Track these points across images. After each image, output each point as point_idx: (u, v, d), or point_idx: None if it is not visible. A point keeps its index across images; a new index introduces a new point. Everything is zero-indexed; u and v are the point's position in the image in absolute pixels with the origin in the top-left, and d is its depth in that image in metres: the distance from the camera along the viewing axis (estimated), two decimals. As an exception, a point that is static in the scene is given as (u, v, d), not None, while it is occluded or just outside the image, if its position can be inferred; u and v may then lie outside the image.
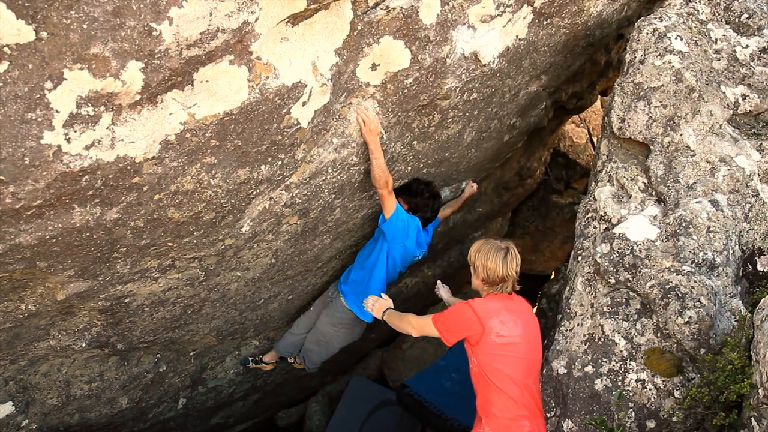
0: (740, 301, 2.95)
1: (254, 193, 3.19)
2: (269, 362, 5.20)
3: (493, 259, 3.04)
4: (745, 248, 3.14)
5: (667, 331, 2.89)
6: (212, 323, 4.32)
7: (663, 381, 2.86)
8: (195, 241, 3.24)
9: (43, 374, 3.85)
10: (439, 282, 4.11)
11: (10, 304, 3.12)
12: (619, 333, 3.02)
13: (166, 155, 2.62)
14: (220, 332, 4.52)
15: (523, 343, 3.00)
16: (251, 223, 3.42)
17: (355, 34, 3.01)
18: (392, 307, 3.70)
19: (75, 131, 2.25)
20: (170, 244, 3.16)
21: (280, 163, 3.14)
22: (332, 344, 4.60)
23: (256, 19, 2.47)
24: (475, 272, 3.15)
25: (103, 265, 3.06)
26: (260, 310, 4.57)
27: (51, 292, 3.13)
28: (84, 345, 3.69)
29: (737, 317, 2.83)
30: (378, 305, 3.71)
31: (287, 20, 2.67)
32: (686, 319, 2.80)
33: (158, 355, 4.43)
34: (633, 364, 2.93)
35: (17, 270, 2.79)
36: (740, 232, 3.15)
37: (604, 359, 3.01)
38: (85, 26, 2.03)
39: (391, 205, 3.83)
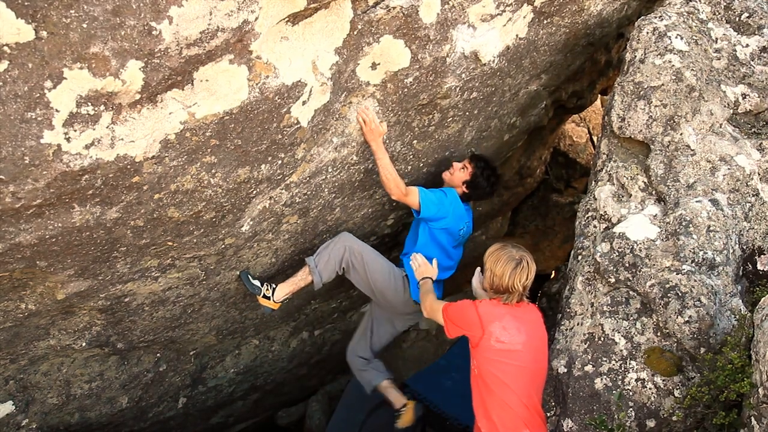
0: (740, 301, 2.95)
1: (254, 192, 3.19)
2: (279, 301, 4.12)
3: (502, 266, 2.92)
4: (745, 247, 3.14)
5: (667, 331, 2.89)
6: (212, 322, 4.32)
7: (663, 380, 2.86)
8: (195, 240, 3.24)
9: (43, 373, 3.85)
10: (478, 269, 3.86)
11: (10, 304, 3.12)
12: (619, 332, 3.02)
13: (166, 154, 2.62)
14: (220, 331, 4.52)
15: (525, 352, 2.87)
16: (251, 223, 3.42)
17: (355, 33, 3.01)
18: (434, 278, 3.71)
19: (75, 130, 2.25)
20: (170, 243, 3.16)
21: (280, 162, 3.14)
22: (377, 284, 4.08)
23: (256, 18, 2.47)
24: (483, 274, 3.10)
25: (103, 264, 3.06)
26: (260, 310, 4.56)
27: (51, 292, 3.13)
28: (84, 344, 3.68)
29: (737, 316, 2.83)
30: (422, 269, 3.74)
31: (287, 19, 2.67)
32: (686, 319, 2.80)
33: (158, 355, 4.42)
34: (633, 363, 2.93)
35: (17, 269, 2.79)
36: (740, 231, 3.15)
37: (604, 358, 3.01)
38: (84, 25, 2.03)
39: (413, 201, 3.83)
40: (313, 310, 5.27)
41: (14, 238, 2.53)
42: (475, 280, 3.72)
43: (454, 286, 6.19)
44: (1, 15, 1.88)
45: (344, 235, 3.98)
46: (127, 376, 4.27)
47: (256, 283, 3.92)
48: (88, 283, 3.14)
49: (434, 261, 3.83)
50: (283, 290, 3.95)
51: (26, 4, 1.90)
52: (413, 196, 3.82)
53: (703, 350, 2.78)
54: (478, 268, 3.83)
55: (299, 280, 3.94)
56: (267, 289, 3.93)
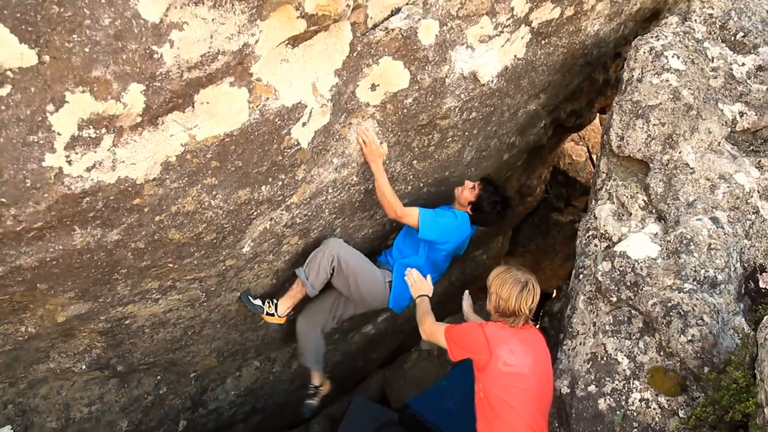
0: (743, 319, 2.94)
1: (255, 213, 3.19)
2: (283, 315, 4.17)
3: (507, 289, 2.90)
4: (746, 265, 3.14)
5: (670, 350, 2.87)
6: (213, 344, 4.30)
7: (667, 400, 2.83)
8: (196, 262, 3.24)
9: (42, 397, 3.82)
10: (466, 292, 3.96)
11: (10, 327, 3.11)
12: (621, 352, 3.00)
13: (167, 176, 2.63)
14: (220, 353, 4.49)
15: (532, 375, 2.85)
16: (252, 244, 3.42)
17: (355, 55, 3.04)
18: (429, 295, 3.59)
19: (76, 153, 2.27)
20: (171, 265, 3.16)
21: (280, 183, 3.15)
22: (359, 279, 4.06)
23: (257, 41, 2.49)
24: (488, 297, 3.02)
25: (103, 286, 3.05)
26: (261, 331, 4.55)
27: (51, 314, 3.12)
28: (84, 367, 3.66)
29: (740, 335, 2.82)
30: (418, 286, 3.63)
31: (287, 42, 2.70)
32: (689, 338, 2.78)
33: (158, 377, 4.40)
34: (636, 383, 2.91)
35: (18, 292, 2.78)
36: (741, 249, 3.14)
37: (608, 378, 2.98)
38: (87, 50, 2.05)
39: (412, 221, 3.83)
40: (314, 331, 5.24)
41: (15, 261, 2.52)
42: (466, 304, 3.81)
43: (456, 307, 6.16)
44: (5, 40, 1.90)
45: (331, 242, 3.90)
46: (127, 399, 4.24)
47: (257, 302, 3.94)
48: (89, 305, 3.13)
49: (428, 277, 3.76)
50: (285, 304, 4.01)
51: (30, 29, 1.92)
52: (411, 218, 3.82)
53: (706, 370, 2.76)
54: (467, 292, 3.92)
55: (295, 292, 3.99)
56: (269, 306, 3.99)
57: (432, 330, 3.25)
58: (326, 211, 3.67)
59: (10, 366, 3.39)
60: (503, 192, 4.18)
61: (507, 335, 2.89)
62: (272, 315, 4.02)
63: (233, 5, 2.31)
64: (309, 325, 4.45)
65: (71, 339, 3.49)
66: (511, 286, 2.90)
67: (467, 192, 4.08)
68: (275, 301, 4.01)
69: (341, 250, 3.89)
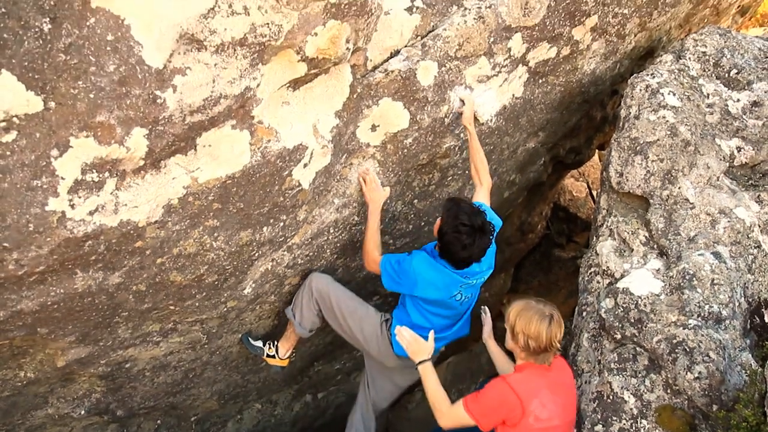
0: (750, 355, 2.91)
1: (256, 254, 3.19)
2: (284, 357, 3.98)
3: (535, 326, 2.72)
4: (750, 300, 3.12)
5: (677, 387, 2.83)
6: (214, 387, 4.25)
7: (676, 439, 2.78)
8: (197, 304, 3.23)
9: (40, 444, 3.76)
10: (487, 317, 3.61)
11: (8, 372, 3.07)
12: (628, 390, 2.96)
13: (169, 219, 2.64)
14: (222, 396, 4.43)
15: (561, 425, 2.75)
16: (253, 285, 3.40)
17: (355, 96, 3.08)
18: (429, 357, 3.07)
19: (79, 197, 2.28)
20: (172, 307, 3.14)
21: (282, 224, 3.16)
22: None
23: (258, 85, 2.53)
24: (514, 338, 2.81)
25: (104, 330, 3.03)
26: (263, 373, 4.49)
27: (51, 359, 3.09)
28: (83, 412, 3.61)
29: (748, 372, 2.78)
30: (414, 348, 3.08)
31: (288, 85, 2.74)
32: (696, 375, 2.75)
33: (159, 421, 4.33)
34: (644, 422, 2.86)
35: (18, 337, 2.76)
36: (745, 283, 3.13)
37: (614, 417, 2.93)
38: (92, 95, 2.08)
39: (377, 269, 3.45)
40: (316, 372, 5.19)
41: (16, 305, 2.51)
42: (486, 330, 3.50)
43: (460, 346, 6.10)
44: (12, 88, 1.93)
45: (312, 277, 3.63)
46: (127, 444, 4.17)
47: (258, 344, 3.88)
48: (89, 349, 3.10)
49: (431, 334, 3.15)
50: (284, 346, 3.91)
51: (37, 77, 1.96)
52: (377, 266, 3.44)
53: (715, 408, 2.72)
54: (487, 314, 3.61)
55: (290, 333, 3.85)
56: (270, 348, 3.89)
57: (450, 414, 2.87)
58: (328, 251, 3.66)
59: (8, 413, 3.34)
60: (471, 213, 3.10)
61: (536, 386, 2.74)
62: (273, 357, 3.92)
63: (235, 50, 2.36)
64: (357, 413, 4.08)
65: (70, 384, 3.45)
66: (538, 322, 2.73)
67: (438, 223, 3.26)
68: (276, 342, 3.92)
69: (321, 283, 3.61)
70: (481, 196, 3.53)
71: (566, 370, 2.93)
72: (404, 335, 3.11)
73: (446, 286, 3.28)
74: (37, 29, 1.89)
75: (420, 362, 3.05)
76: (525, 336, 2.74)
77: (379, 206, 3.46)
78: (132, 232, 2.55)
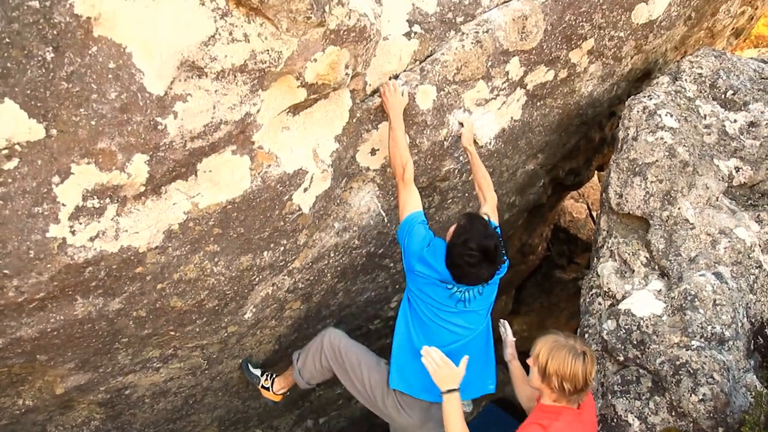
0: (755, 376, 2.89)
1: (257, 279, 3.19)
2: (278, 393, 3.89)
3: (570, 366, 2.45)
4: (753, 320, 3.10)
5: (682, 410, 2.80)
6: (214, 413, 4.21)
7: (682, 463, 2.75)
8: (197, 329, 3.21)
9: (38, 473, 3.71)
10: (508, 334, 3.25)
11: (7, 400, 3.05)
12: (632, 413, 2.93)
13: (170, 244, 2.64)
14: (222, 422, 4.39)
15: None
16: (254, 310, 3.39)
17: (355, 120, 3.10)
18: (458, 387, 2.67)
19: (80, 223, 2.28)
20: (172, 333, 3.13)
21: (282, 248, 3.16)
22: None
23: (258, 111, 2.55)
24: (545, 379, 2.52)
25: (104, 356, 3.01)
26: (264, 398, 4.45)
27: (50, 386, 3.07)
28: (82, 441, 3.58)
29: (753, 393, 2.76)
30: (442, 373, 2.66)
31: (288, 110, 2.76)
32: (700, 397, 2.72)
33: (158, 449, 4.28)
34: (649, 445, 2.83)
35: (17, 364, 2.75)
36: (747, 304, 3.12)
37: (620, 441, 2.91)
38: (93, 122, 2.10)
39: (402, 202, 3.11)
40: (317, 397, 5.14)
41: (15, 332, 2.50)
42: (509, 352, 3.15)
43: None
44: (15, 115, 1.95)
45: (327, 331, 3.52)
46: (126, 473, 4.12)
47: (256, 372, 3.86)
48: (89, 376, 3.08)
49: (464, 359, 2.72)
50: (280, 383, 3.85)
51: (39, 105, 1.97)
52: (407, 199, 3.10)
53: (721, 430, 2.69)
54: (508, 330, 3.25)
55: (289, 375, 3.76)
56: (266, 380, 3.85)
57: None
58: (328, 275, 3.66)
59: (7, 441, 3.31)
60: (483, 233, 2.88)
61: None
62: (268, 390, 3.85)
63: (235, 76, 2.38)
64: None
65: (69, 411, 3.42)
66: (572, 362, 2.46)
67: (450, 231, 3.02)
68: (274, 376, 3.84)
69: (335, 337, 3.45)
70: (487, 213, 3.33)
71: (592, 407, 2.72)
72: (433, 356, 2.68)
73: (443, 269, 2.98)
74: (40, 58, 1.91)
75: (447, 391, 2.66)
76: (559, 378, 2.47)
77: (400, 112, 3.13)
78: (132, 257, 2.55)
